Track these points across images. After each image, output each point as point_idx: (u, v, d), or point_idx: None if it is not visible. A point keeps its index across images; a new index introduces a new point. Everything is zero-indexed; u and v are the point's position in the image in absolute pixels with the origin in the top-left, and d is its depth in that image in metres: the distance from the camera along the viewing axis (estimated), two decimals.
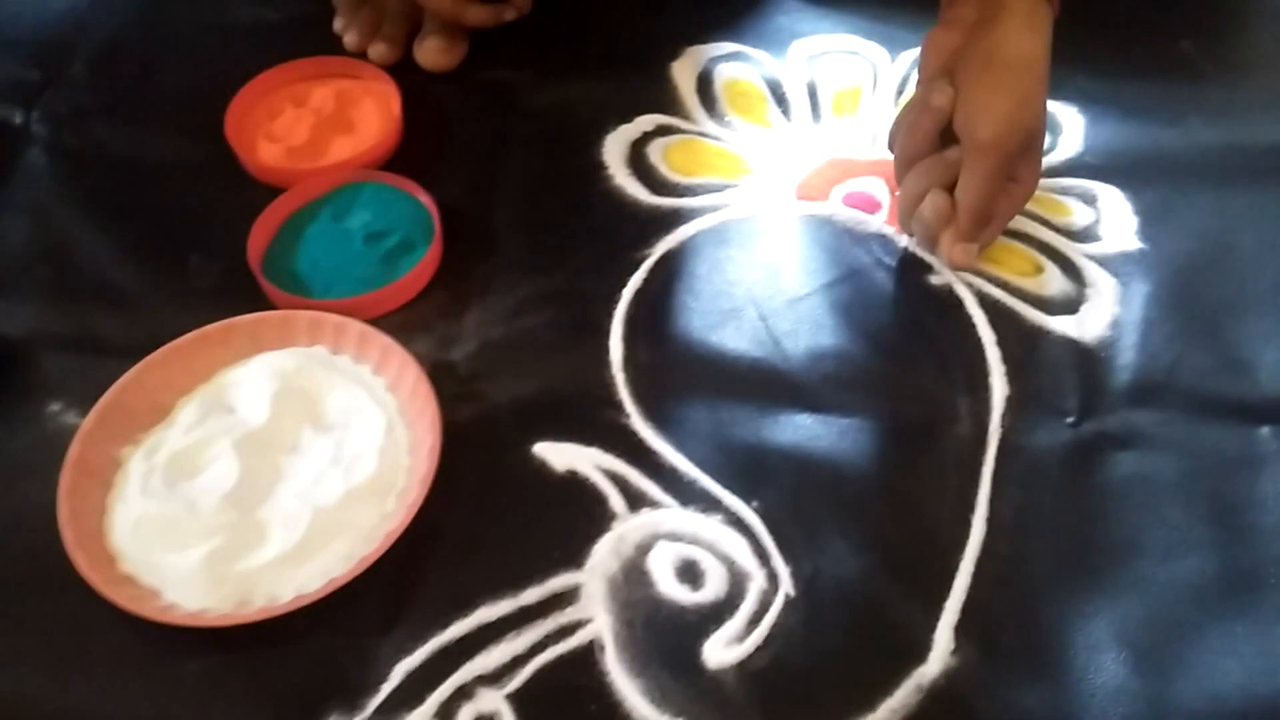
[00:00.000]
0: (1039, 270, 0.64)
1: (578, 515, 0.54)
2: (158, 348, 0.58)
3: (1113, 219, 0.66)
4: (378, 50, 0.76)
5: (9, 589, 0.52)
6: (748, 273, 0.64)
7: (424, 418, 0.56)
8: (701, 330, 0.62)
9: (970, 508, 0.54)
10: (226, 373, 0.59)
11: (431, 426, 0.55)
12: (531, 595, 0.51)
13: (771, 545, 0.53)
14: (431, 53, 0.76)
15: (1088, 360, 0.60)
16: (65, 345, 0.61)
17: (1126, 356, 0.60)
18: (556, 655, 0.50)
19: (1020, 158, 0.60)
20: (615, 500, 0.55)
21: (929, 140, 0.62)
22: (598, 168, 0.70)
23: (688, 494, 0.55)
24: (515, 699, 0.48)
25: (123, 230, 0.67)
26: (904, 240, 0.66)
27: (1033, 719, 0.48)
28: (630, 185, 0.69)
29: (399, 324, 0.61)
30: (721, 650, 0.50)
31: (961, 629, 0.50)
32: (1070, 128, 0.71)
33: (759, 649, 0.50)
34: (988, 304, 0.62)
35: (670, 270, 0.65)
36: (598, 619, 0.51)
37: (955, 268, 0.63)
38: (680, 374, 0.60)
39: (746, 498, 0.55)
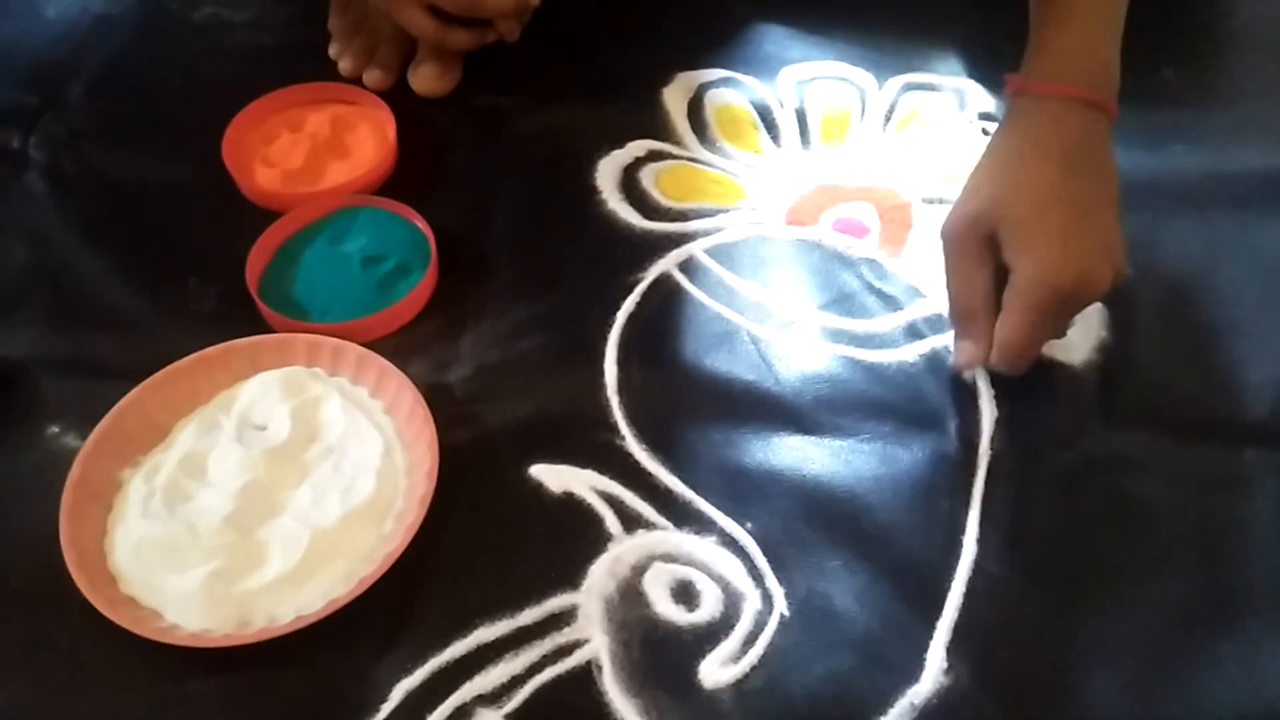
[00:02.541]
0: None
1: (574, 537, 0.55)
2: (157, 370, 0.58)
3: None
4: (372, 76, 0.77)
5: (10, 610, 0.53)
6: (739, 297, 0.65)
7: (421, 440, 0.56)
8: (695, 353, 0.63)
9: (961, 529, 0.55)
10: (224, 394, 0.59)
11: (429, 448, 0.55)
12: (529, 616, 0.52)
13: (765, 566, 0.54)
14: (425, 78, 0.77)
15: (1075, 384, 0.61)
16: (64, 368, 0.62)
17: (1113, 380, 0.61)
18: (554, 675, 0.50)
19: (1071, 303, 0.56)
20: (611, 522, 0.55)
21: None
22: (591, 192, 0.71)
23: (682, 515, 0.56)
24: (513, 719, 0.49)
25: (121, 254, 0.68)
26: (892, 264, 0.67)
27: None
28: (623, 210, 0.70)
29: (396, 347, 0.62)
30: (717, 670, 0.50)
31: (954, 648, 0.51)
32: None
33: (754, 669, 0.50)
34: None
35: (663, 294, 0.65)
36: (595, 639, 0.51)
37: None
38: (674, 397, 0.61)
39: (740, 519, 0.55)
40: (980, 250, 0.57)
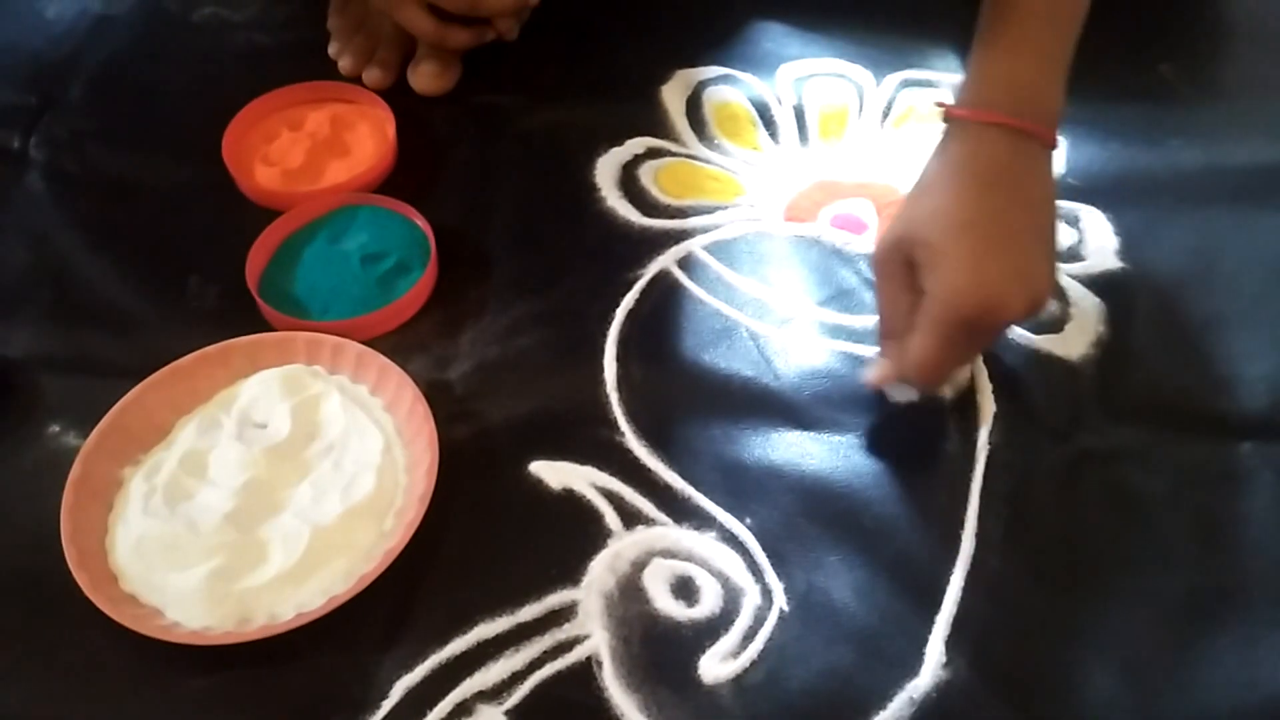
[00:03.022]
0: None
1: (574, 533, 0.55)
2: (157, 369, 0.59)
3: (1095, 240, 0.67)
4: (372, 75, 0.77)
5: (11, 608, 0.53)
6: (738, 293, 0.65)
7: (421, 437, 0.56)
8: (694, 350, 0.63)
9: (959, 523, 0.55)
10: (224, 393, 0.59)
11: (429, 446, 0.55)
12: (529, 612, 0.52)
13: (765, 561, 0.54)
14: (425, 77, 0.77)
15: (1073, 378, 0.61)
16: (65, 367, 0.62)
17: (1111, 374, 0.61)
18: (554, 671, 0.50)
19: (980, 328, 0.55)
20: (611, 518, 0.55)
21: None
22: (590, 190, 0.71)
23: (682, 511, 0.56)
24: (514, 715, 0.49)
25: (121, 253, 0.68)
26: None
27: None
28: (622, 207, 0.70)
29: (395, 345, 0.62)
30: (717, 665, 0.51)
31: (952, 642, 0.51)
32: None
33: (754, 664, 0.51)
34: None
35: (662, 291, 0.66)
36: (595, 635, 0.51)
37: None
38: (673, 393, 0.61)
39: (740, 514, 0.55)
40: (902, 273, 0.56)
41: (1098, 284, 0.65)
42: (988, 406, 0.59)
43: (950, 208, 0.55)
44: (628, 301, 0.65)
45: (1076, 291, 0.65)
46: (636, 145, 0.74)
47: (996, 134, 0.56)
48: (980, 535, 0.55)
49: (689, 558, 0.54)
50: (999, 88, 0.57)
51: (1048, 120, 0.57)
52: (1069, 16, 0.58)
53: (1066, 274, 0.65)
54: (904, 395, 0.59)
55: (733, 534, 0.55)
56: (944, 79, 0.78)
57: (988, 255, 0.54)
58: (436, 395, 0.58)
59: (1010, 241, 0.54)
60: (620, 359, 0.62)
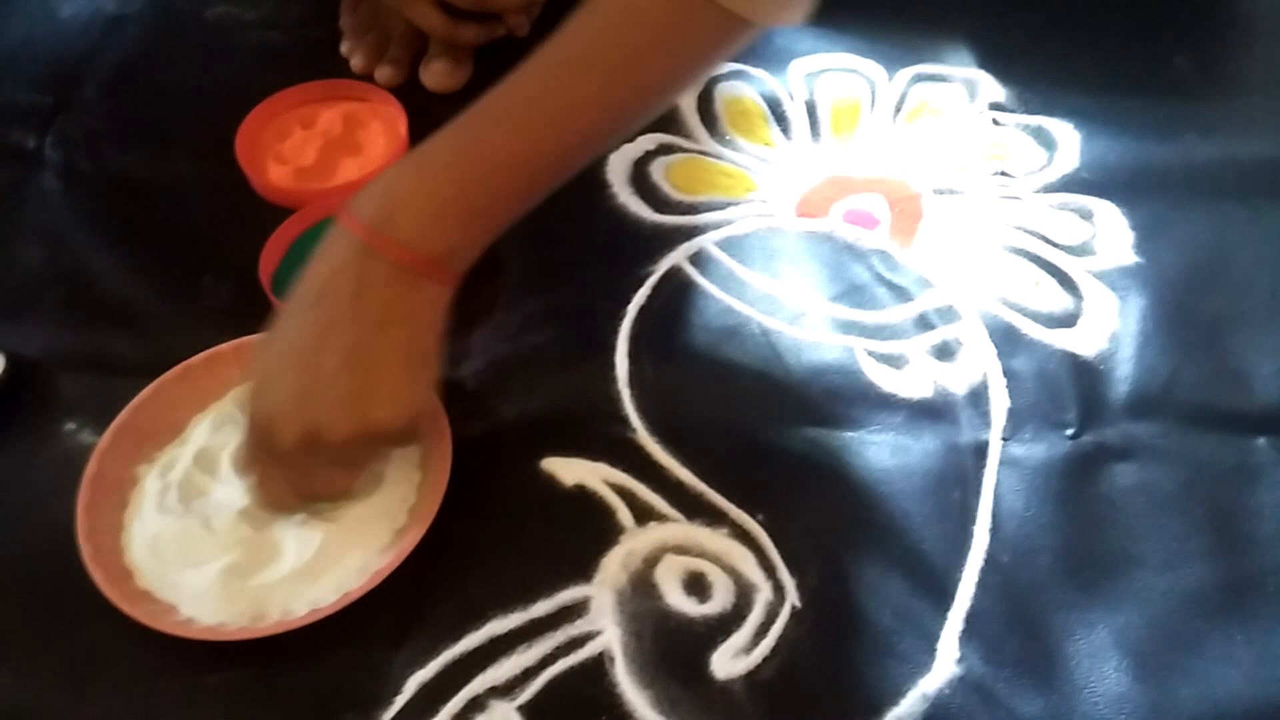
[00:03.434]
0: (1037, 284, 0.65)
1: (586, 529, 0.55)
2: (171, 367, 0.59)
3: (1109, 234, 0.67)
4: (384, 73, 0.78)
5: (28, 604, 0.53)
6: (750, 289, 0.65)
7: (433, 433, 0.56)
8: (705, 346, 0.63)
9: (972, 519, 0.55)
10: (238, 390, 0.59)
11: (441, 442, 0.56)
12: (541, 608, 0.52)
13: (777, 557, 0.54)
14: (437, 75, 0.77)
15: (1086, 373, 0.61)
16: (80, 365, 0.62)
17: (1124, 369, 0.61)
18: (567, 667, 0.50)
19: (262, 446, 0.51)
20: (623, 514, 0.55)
21: None
22: (601, 186, 0.71)
23: (694, 507, 0.56)
24: (527, 710, 0.49)
25: (136, 252, 0.69)
26: (902, 256, 0.67)
27: None
28: (633, 203, 0.70)
29: None
30: (729, 661, 0.51)
31: (965, 638, 0.51)
32: (1066, 144, 0.72)
33: (766, 659, 0.51)
34: (987, 318, 0.63)
35: (674, 287, 0.66)
36: (607, 631, 0.51)
37: None
38: (685, 389, 0.61)
39: (752, 511, 0.55)
40: None
41: (1111, 278, 0.65)
42: (1000, 402, 0.59)
43: (280, 324, 0.52)
44: (639, 298, 0.65)
45: (1090, 286, 0.64)
46: (648, 141, 0.74)
47: (350, 239, 0.51)
48: (993, 531, 0.54)
49: (701, 554, 0.54)
50: (370, 196, 0.52)
51: (401, 240, 0.50)
52: (521, 153, 0.53)
53: (1080, 268, 0.65)
54: None
55: (745, 530, 0.55)
56: (956, 73, 0.78)
57: (281, 376, 0.50)
58: (448, 392, 0.58)
59: (325, 363, 0.49)
60: (632, 355, 0.62)
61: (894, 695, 0.49)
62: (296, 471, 0.52)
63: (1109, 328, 0.63)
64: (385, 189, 0.52)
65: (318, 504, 0.54)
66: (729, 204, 0.70)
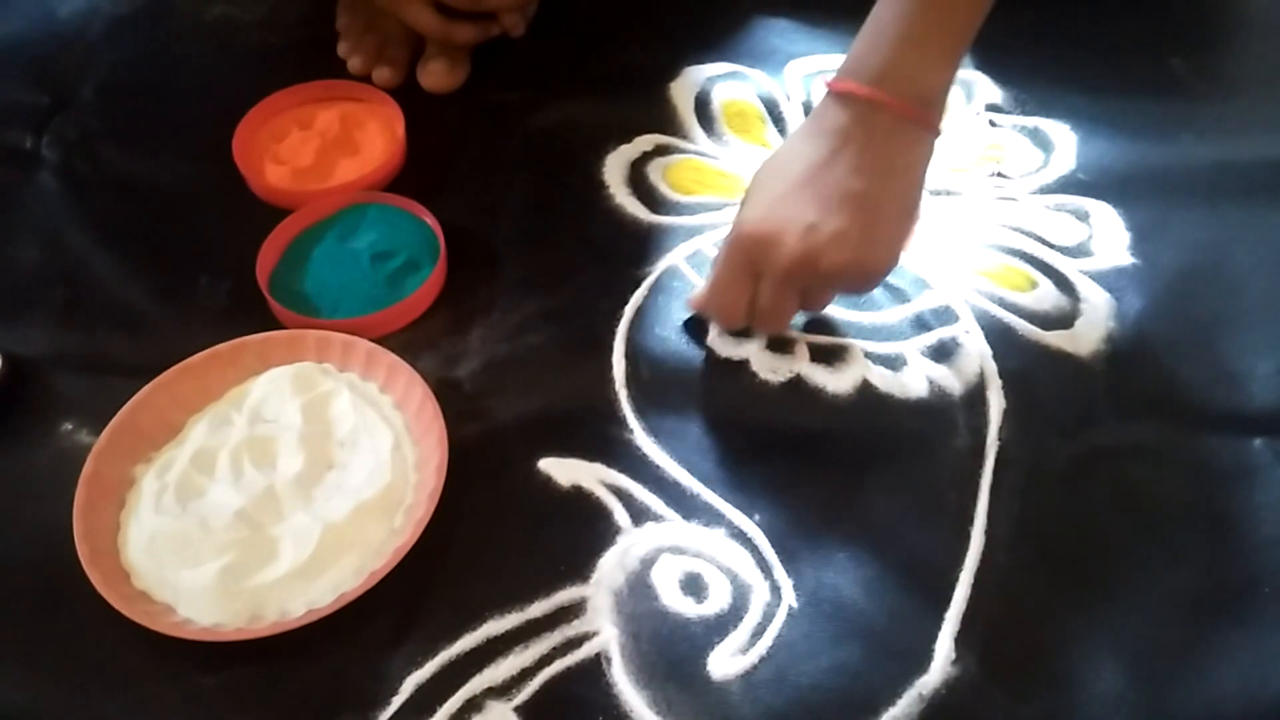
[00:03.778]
0: (1034, 285, 0.65)
1: (583, 530, 0.55)
2: (168, 367, 0.59)
3: (1105, 235, 0.67)
4: (381, 74, 0.78)
5: (25, 605, 0.53)
6: None
7: (430, 434, 0.57)
8: (702, 346, 0.63)
9: (969, 520, 0.55)
10: (235, 390, 0.60)
11: (438, 443, 0.56)
12: (538, 609, 0.52)
13: (774, 558, 0.54)
14: (434, 75, 0.77)
15: (1083, 374, 0.61)
16: (77, 366, 0.63)
17: (1121, 370, 0.61)
18: (564, 667, 0.50)
19: (753, 257, 0.57)
20: (620, 515, 0.55)
21: None
22: (598, 187, 0.71)
23: (691, 508, 0.56)
24: (524, 711, 0.49)
25: (132, 252, 0.69)
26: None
27: None
28: (630, 204, 0.70)
29: (405, 342, 0.62)
30: (726, 662, 0.51)
31: (962, 639, 0.51)
32: (1062, 145, 0.72)
33: (763, 660, 0.51)
34: (984, 319, 0.63)
35: (671, 288, 0.66)
36: (604, 631, 0.52)
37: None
38: (681, 390, 0.61)
39: (748, 511, 0.55)
40: None
41: (1108, 279, 0.65)
42: (997, 403, 0.59)
43: (780, 155, 0.58)
44: (636, 298, 0.65)
45: (1086, 287, 0.64)
46: (645, 142, 0.74)
47: (848, 101, 0.56)
48: (990, 532, 0.54)
49: (698, 554, 0.54)
50: (858, 62, 0.57)
51: (907, 94, 0.55)
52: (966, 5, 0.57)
53: (1077, 269, 0.65)
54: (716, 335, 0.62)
55: (741, 531, 0.55)
56: None
57: (790, 200, 0.55)
58: (446, 393, 0.58)
59: (824, 195, 0.55)
60: (629, 356, 0.62)
61: (890, 696, 0.49)
62: (770, 288, 0.57)
63: (1106, 329, 0.62)
64: (870, 56, 0.56)
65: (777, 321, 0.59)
66: (726, 205, 0.70)
